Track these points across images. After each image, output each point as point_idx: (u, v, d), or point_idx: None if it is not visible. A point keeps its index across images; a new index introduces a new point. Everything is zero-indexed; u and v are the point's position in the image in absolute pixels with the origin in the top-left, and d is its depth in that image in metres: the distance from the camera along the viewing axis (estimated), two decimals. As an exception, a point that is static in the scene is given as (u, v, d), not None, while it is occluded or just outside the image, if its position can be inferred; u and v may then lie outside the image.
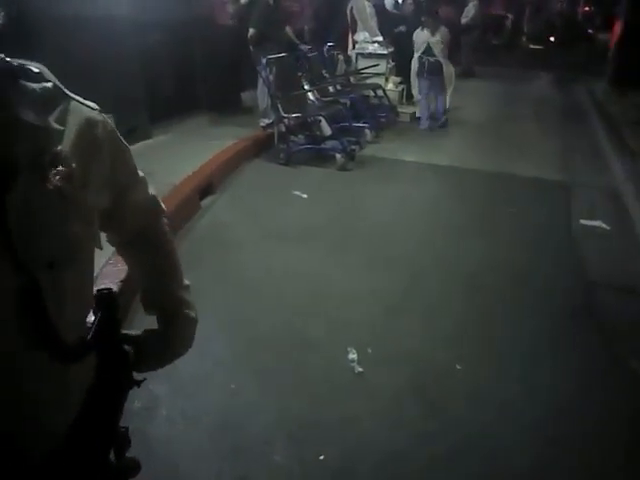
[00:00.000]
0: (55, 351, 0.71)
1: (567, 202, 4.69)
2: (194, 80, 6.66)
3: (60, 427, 0.77)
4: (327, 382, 2.42)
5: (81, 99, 0.80)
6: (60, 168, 0.69)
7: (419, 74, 7.18)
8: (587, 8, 24.61)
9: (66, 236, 0.70)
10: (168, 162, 4.79)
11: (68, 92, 0.77)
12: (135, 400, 2.11)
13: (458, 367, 2.54)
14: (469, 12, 11.32)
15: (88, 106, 0.80)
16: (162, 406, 2.22)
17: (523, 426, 2.20)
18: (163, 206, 1.02)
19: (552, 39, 20.24)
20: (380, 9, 8.96)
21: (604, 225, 4.22)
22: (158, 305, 0.99)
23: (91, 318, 0.82)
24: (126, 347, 0.90)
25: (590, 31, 20.44)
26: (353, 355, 2.58)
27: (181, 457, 2.01)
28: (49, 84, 0.73)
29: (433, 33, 6.99)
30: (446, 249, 3.76)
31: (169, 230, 1.03)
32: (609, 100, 8.80)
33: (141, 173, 0.96)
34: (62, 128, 0.72)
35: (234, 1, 6.61)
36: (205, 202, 4.44)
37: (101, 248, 0.82)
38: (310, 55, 6.70)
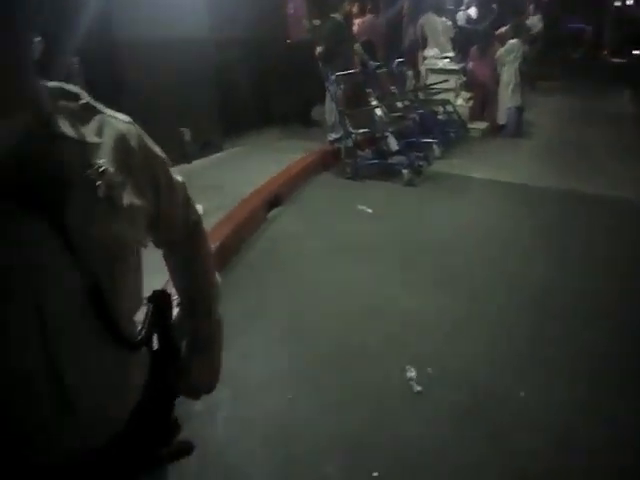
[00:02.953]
0: (116, 342, 0.78)
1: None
2: (267, 95, 6.87)
3: (121, 413, 0.84)
4: (385, 399, 2.41)
5: (114, 112, 0.86)
6: (106, 178, 0.76)
7: (518, 83, 7.19)
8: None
9: (118, 238, 0.77)
10: (238, 174, 4.97)
11: (101, 107, 0.84)
12: (196, 403, 2.19)
13: (522, 394, 2.44)
14: (536, 26, 10.89)
15: (121, 119, 0.86)
16: (222, 410, 2.29)
17: (590, 463, 2.08)
18: (200, 212, 1.07)
19: (637, 52, 19.16)
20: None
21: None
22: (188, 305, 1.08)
23: (141, 315, 0.90)
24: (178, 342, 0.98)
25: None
26: (412, 374, 2.55)
27: (236, 461, 2.06)
28: (84, 101, 0.81)
29: (524, 42, 7.05)
30: (514, 271, 3.63)
31: (206, 240, 1.09)
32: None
33: (180, 179, 1.00)
34: (99, 141, 0.79)
35: (308, 21, 6.80)
36: (272, 214, 4.55)
37: (146, 246, 0.90)
38: (379, 71, 6.74)
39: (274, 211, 4.60)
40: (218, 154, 5.65)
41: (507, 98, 7.30)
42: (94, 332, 0.76)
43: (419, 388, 2.46)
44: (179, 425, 0.96)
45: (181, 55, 4.99)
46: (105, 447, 0.80)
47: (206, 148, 5.48)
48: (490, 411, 2.34)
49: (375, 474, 1.99)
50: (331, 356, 2.70)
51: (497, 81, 7.43)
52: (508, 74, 7.25)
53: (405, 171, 5.44)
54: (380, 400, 2.40)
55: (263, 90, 6.81)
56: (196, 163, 5.16)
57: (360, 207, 4.72)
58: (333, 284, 3.44)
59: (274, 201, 4.67)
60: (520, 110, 7.40)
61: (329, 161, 5.91)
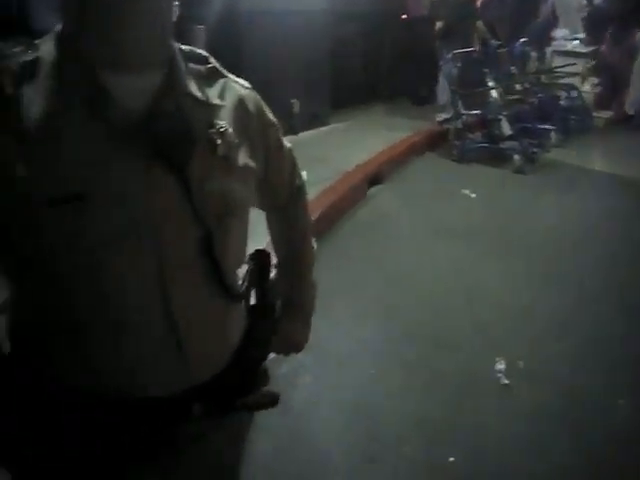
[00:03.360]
0: (221, 291, 0.83)
1: None
2: (378, 71, 6.79)
3: (220, 356, 0.89)
4: (469, 387, 2.36)
5: (235, 78, 0.90)
6: (225, 138, 0.80)
7: None
8: None
9: (230, 194, 0.81)
10: (342, 149, 4.99)
11: (225, 72, 0.88)
12: (283, 365, 2.28)
13: (620, 402, 2.28)
14: None
15: (241, 84, 0.90)
16: (306, 375, 2.36)
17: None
18: (303, 178, 1.09)
19: None
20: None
21: None
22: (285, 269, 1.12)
23: (243, 271, 0.94)
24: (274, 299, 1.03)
25: None
26: (501, 366, 2.46)
27: (315, 426, 2.13)
28: (211, 65, 0.86)
29: None
30: (627, 278, 3.31)
31: (307, 206, 1.12)
32: None
33: (288, 145, 1.02)
34: (222, 103, 0.84)
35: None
36: (372, 191, 4.54)
37: (254, 206, 0.94)
38: (500, 51, 6.39)
39: (374, 188, 4.58)
40: (324, 127, 5.70)
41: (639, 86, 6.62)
42: (203, 278, 0.81)
43: (507, 381, 2.38)
44: (268, 376, 1.00)
45: (296, 27, 5.06)
46: (203, 386, 0.85)
47: (313, 121, 5.55)
48: (578, 417, 2.21)
49: (452, 459, 1.97)
50: (419, 338, 2.67)
51: (631, 68, 6.75)
52: None
53: (516, 157, 5.16)
54: (465, 387, 2.35)
55: (375, 65, 6.73)
56: (302, 135, 5.25)
57: (464, 191, 4.56)
58: (427, 267, 3.38)
59: (375, 178, 4.65)
60: (654, 100, 6.69)
61: (435, 142, 5.75)
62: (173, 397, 0.82)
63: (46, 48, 0.74)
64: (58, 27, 0.75)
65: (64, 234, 0.70)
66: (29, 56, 0.72)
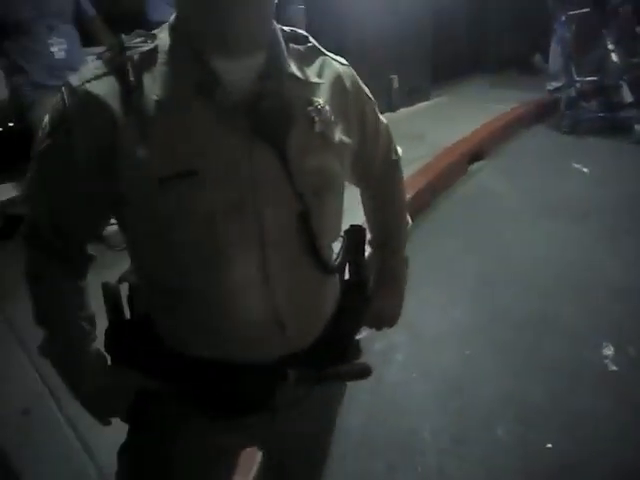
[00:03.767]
0: (316, 263, 0.87)
1: None
2: (482, 39, 6.47)
3: (316, 326, 0.93)
4: (570, 372, 2.24)
5: (333, 55, 0.92)
6: (322, 115, 0.83)
7: None
8: None
9: (327, 170, 0.84)
10: (442, 124, 4.86)
11: (324, 50, 0.90)
12: (375, 342, 2.32)
13: None
14: None
15: (339, 62, 0.92)
16: (399, 353, 2.38)
17: None
18: (399, 153, 1.10)
19: None
20: None
21: None
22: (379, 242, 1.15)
23: (337, 246, 0.97)
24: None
25: None
26: (609, 351, 2.32)
27: (406, 403, 2.14)
28: (310, 45, 0.88)
29: None
30: None
31: (402, 182, 1.13)
32: None
33: (384, 121, 1.04)
34: (320, 81, 0.86)
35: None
36: (473, 167, 4.38)
37: (349, 182, 0.97)
38: (621, 8, 5.79)
39: (476, 165, 4.42)
40: (424, 103, 5.56)
41: None
42: (300, 251, 0.84)
43: (615, 368, 2.24)
44: (360, 349, 1.03)
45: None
46: (297, 355, 0.90)
47: (413, 96, 5.42)
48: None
49: (549, 445, 1.91)
50: (518, 320, 2.58)
51: None
52: None
53: (637, 127, 4.72)
54: (566, 372, 2.24)
55: (479, 33, 6.41)
56: (401, 111, 5.16)
57: (575, 165, 4.27)
58: (531, 248, 3.22)
59: (477, 154, 4.48)
60: None
61: (544, 113, 5.42)
62: (270, 364, 0.87)
63: (163, 37, 0.80)
64: (173, 17, 0.82)
65: (178, 208, 0.77)
66: (148, 46, 0.79)
